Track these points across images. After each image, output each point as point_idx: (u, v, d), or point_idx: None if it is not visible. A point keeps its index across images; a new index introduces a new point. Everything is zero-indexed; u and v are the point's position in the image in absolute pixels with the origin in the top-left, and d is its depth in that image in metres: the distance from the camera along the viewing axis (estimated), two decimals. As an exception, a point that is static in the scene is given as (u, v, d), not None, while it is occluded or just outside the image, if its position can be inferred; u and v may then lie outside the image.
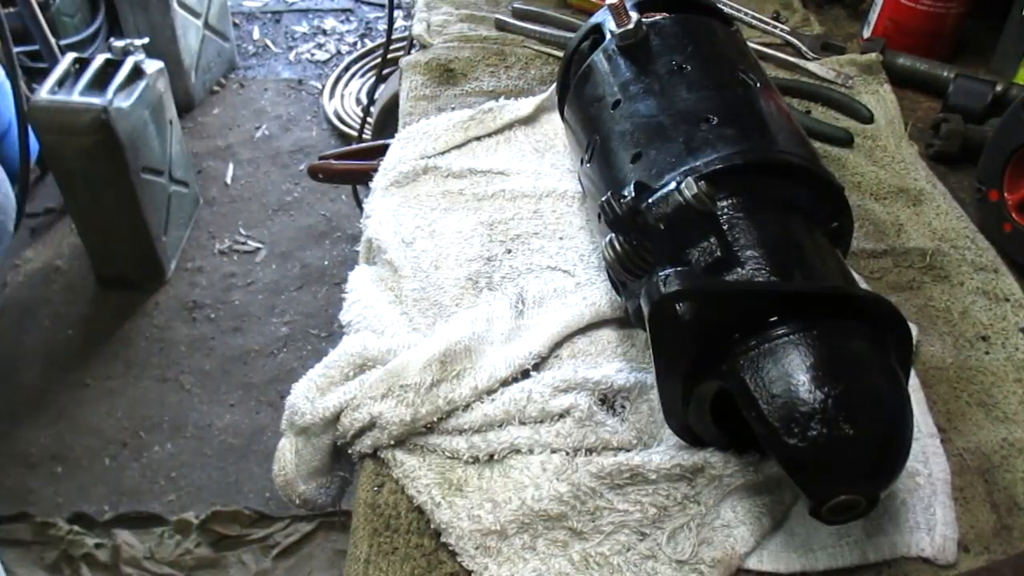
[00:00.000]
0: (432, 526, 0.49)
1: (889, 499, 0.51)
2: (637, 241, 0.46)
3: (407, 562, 0.48)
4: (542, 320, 0.59)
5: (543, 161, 0.76)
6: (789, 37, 0.98)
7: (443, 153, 0.77)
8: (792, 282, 0.46)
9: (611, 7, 0.58)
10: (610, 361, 0.57)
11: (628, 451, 0.51)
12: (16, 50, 1.73)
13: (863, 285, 0.65)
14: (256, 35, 3.05)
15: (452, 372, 0.54)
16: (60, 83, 1.78)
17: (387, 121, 1.96)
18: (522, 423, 0.53)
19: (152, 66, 1.89)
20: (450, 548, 0.48)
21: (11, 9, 1.96)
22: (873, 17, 0.99)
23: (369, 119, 1.98)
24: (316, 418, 0.54)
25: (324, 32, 3.08)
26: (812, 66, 0.92)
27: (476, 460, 0.52)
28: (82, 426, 1.73)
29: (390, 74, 1.88)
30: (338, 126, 2.56)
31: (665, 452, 0.51)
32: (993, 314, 0.65)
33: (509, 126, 0.80)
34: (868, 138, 0.83)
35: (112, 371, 1.84)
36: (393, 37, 1.25)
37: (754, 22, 1.01)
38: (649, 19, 0.60)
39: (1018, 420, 0.57)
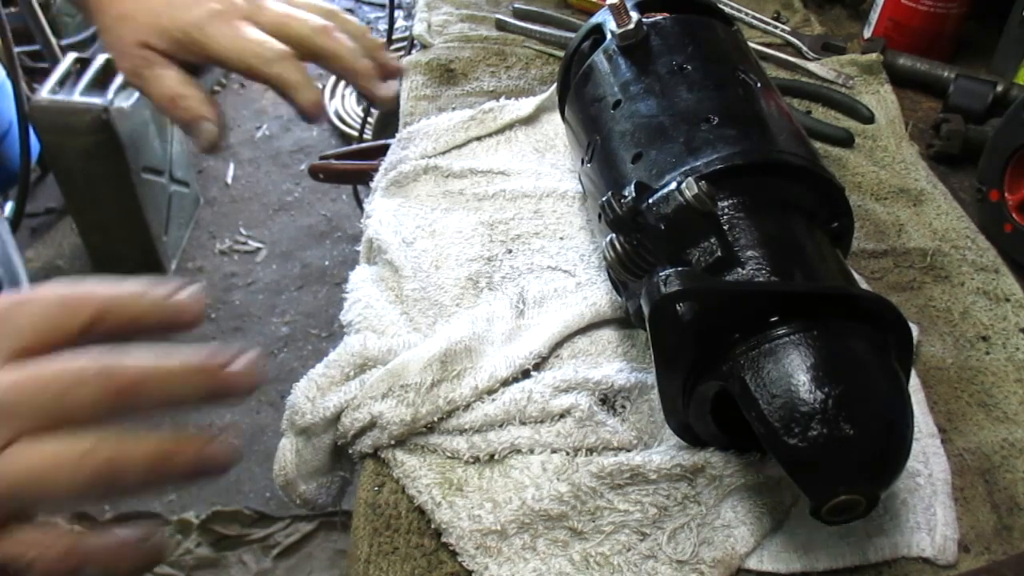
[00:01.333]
0: (433, 526, 0.49)
1: (890, 499, 0.51)
2: (637, 241, 0.46)
3: (407, 562, 0.48)
4: (543, 320, 0.59)
5: (543, 161, 0.76)
6: (789, 37, 0.98)
7: (443, 153, 0.77)
8: (793, 282, 0.46)
9: (611, 7, 0.58)
10: (610, 361, 0.57)
11: (629, 451, 0.51)
12: (17, 50, 1.73)
13: (864, 285, 0.65)
14: (257, 35, 3.05)
15: (452, 372, 0.54)
16: (61, 83, 1.79)
17: (388, 121, 1.96)
18: (522, 423, 0.53)
19: (153, 66, 1.89)
20: (451, 548, 0.48)
21: (12, 9, 1.96)
22: (874, 17, 0.99)
23: (370, 119, 1.98)
24: (316, 418, 0.54)
25: (325, 32, 3.08)
26: (812, 66, 0.92)
27: (476, 460, 0.52)
28: (83, 426, 1.73)
29: (390, 74, 1.88)
30: (339, 126, 2.57)
31: (665, 452, 0.51)
32: (994, 314, 0.65)
33: (510, 126, 0.80)
34: (869, 138, 0.83)
35: (113, 371, 1.84)
36: (394, 37, 1.25)
37: (754, 22, 1.01)
38: (650, 19, 0.60)
39: (1019, 420, 0.57)
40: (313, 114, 0.60)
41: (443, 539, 0.48)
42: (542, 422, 0.53)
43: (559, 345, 0.59)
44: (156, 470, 0.38)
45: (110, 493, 0.39)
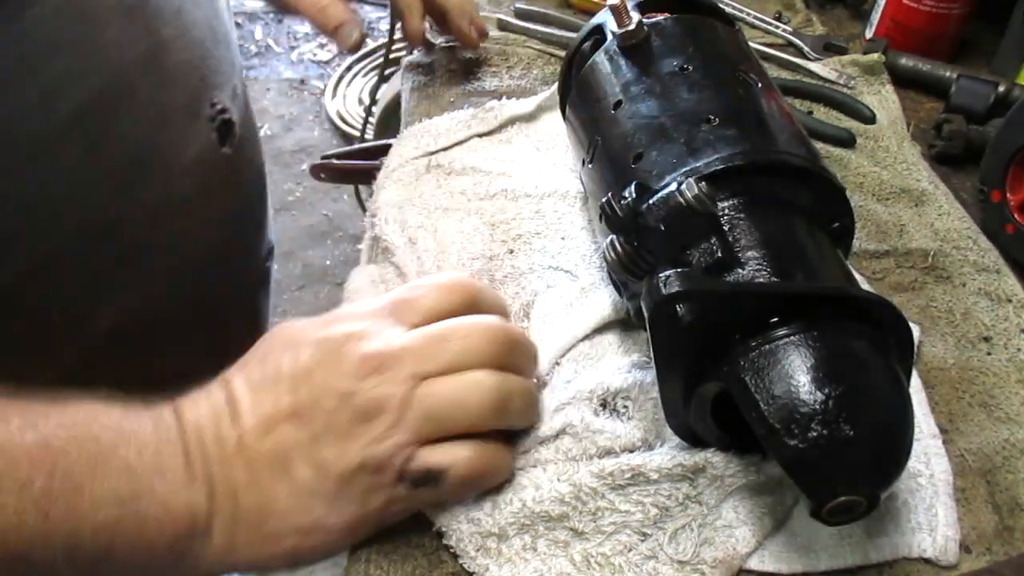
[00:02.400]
0: (434, 528, 0.49)
1: (891, 500, 0.51)
2: (638, 242, 0.46)
3: (408, 561, 0.48)
4: (546, 333, 0.58)
5: (545, 160, 0.76)
6: (791, 37, 0.98)
7: (445, 151, 0.77)
8: (793, 283, 0.46)
9: (612, 8, 0.58)
10: (610, 363, 0.57)
11: (631, 451, 0.51)
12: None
13: (865, 286, 0.65)
14: (258, 35, 3.06)
15: None
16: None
17: (389, 121, 1.96)
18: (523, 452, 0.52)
19: (155, 66, 1.90)
20: (451, 550, 0.48)
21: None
22: (875, 18, 0.99)
23: (371, 118, 1.98)
24: None
25: (327, 32, 3.08)
26: (814, 66, 0.92)
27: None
28: (85, 425, 1.73)
29: (392, 74, 1.88)
30: (340, 126, 2.57)
31: (667, 452, 0.50)
32: (995, 315, 0.65)
33: (511, 124, 0.80)
34: (870, 139, 0.83)
35: (115, 370, 1.84)
36: (395, 37, 1.25)
37: (756, 22, 1.00)
38: (650, 19, 0.60)
39: (1020, 421, 0.57)
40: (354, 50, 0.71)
41: (444, 541, 0.48)
42: (542, 443, 0.52)
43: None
44: (533, 404, 0.50)
45: (502, 419, 0.48)
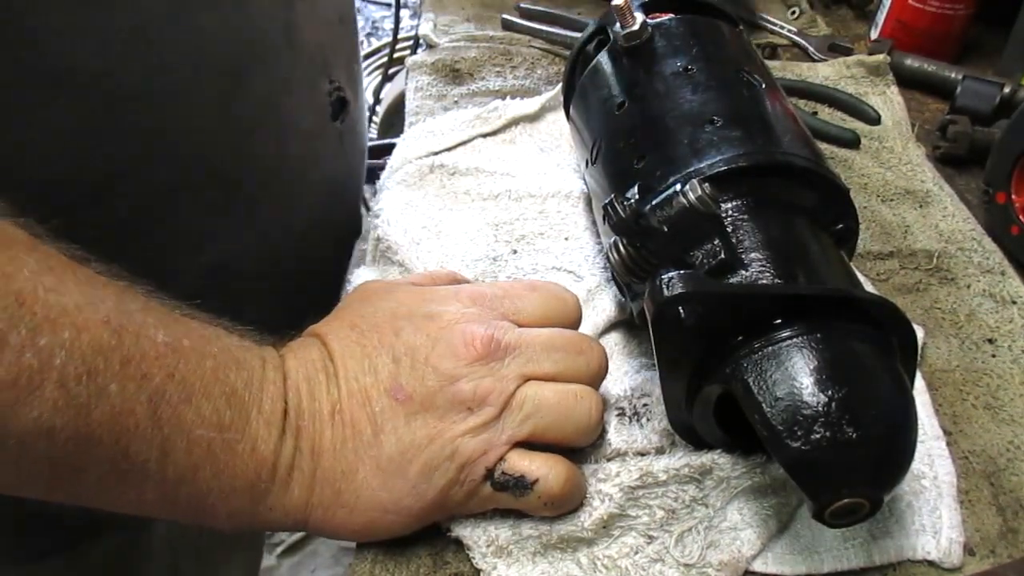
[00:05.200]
0: (442, 526, 0.49)
1: (894, 502, 0.51)
2: (641, 243, 0.46)
3: (412, 561, 0.48)
4: None
5: (548, 161, 0.76)
6: (796, 38, 0.98)
7: (449, 151, 0.77)
8: (796, 285, 0.46)
9: (616, 8, 0.58)
10: (618, 367, 0.57)
11: (644, 455, 0.51)
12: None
13: (869, 287, 0.65)
14: (263, 34, 3.05)
15: None
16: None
17: (393, 121, 1.96)
18: None
19: (160, 65, 1.90)
20: (456, 547, 0.48)
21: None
22: (881, 18, 0.98)
23: (375, 118, 1.99)
24: None
25: (331, 31, 3.08)
26: (819, 67, 0.92)
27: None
28: (89, 424, 1.73)
29: (396, 73, 1.89)
30: (345, 125, 2.56)
31: (673, 453, 0.50)
32: (1000, 316, 0.64)
33: (515, 123, 0.80)
34: (875, 140, 0.83)
35: (119, 369, 1.84)
36: (399, 36, 1.25)
37: (760, 22, 1.00)
38: (654, 20, 0.60)
39: (1024, 423, 0.57)
40: None
41: (453, 535, 0.48)
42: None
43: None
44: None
45: (592, 438, 0.48)
